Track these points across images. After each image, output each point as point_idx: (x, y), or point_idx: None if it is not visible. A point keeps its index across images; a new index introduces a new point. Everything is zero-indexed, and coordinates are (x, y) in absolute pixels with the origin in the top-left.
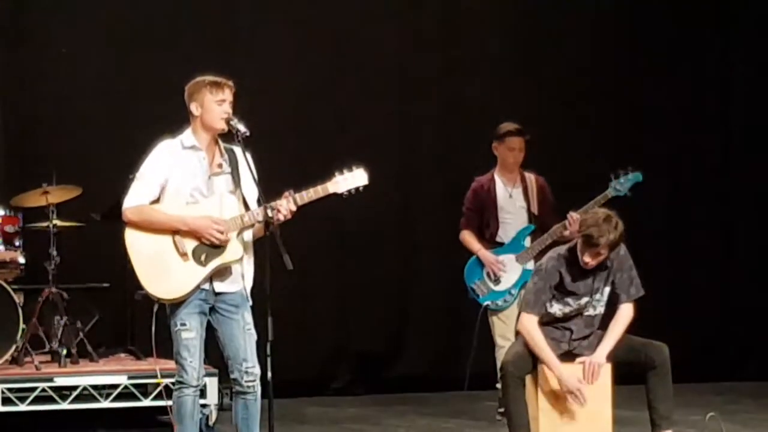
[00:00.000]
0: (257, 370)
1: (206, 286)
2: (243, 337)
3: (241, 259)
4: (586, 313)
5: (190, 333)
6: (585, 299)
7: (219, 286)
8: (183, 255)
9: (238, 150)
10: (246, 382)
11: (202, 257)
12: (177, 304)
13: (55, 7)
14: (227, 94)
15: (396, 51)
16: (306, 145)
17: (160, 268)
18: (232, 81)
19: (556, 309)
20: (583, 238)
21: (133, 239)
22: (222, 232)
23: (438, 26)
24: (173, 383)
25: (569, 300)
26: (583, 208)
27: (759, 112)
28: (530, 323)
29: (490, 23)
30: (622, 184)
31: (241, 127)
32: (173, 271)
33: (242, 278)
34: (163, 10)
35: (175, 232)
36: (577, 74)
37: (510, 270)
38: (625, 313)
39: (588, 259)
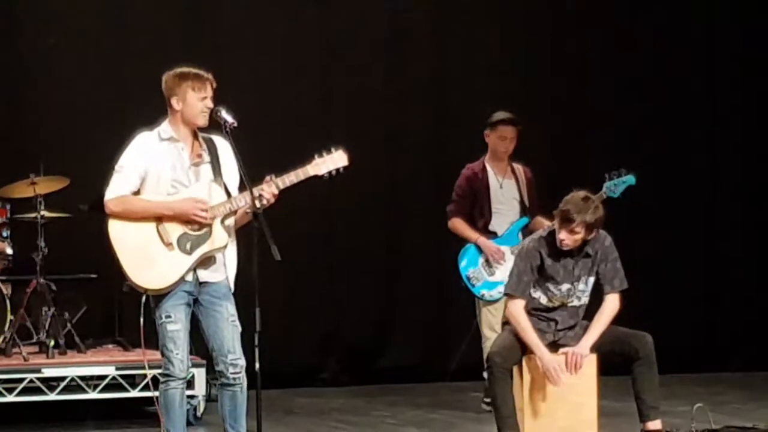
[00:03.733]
0: (242, 362)
1: (190, 276)
2: (227, 329)
3: (226, 246)
4: (570, 304)
5: (175, 325)
6: (566, 286)
7: (203, 275)
8: (168, 245)
9: (216, 139)
10: (232, 374)
11: (188, 246)
12: (162, 295)
13: (44, 0)
14: (209, 90)
15: (384, 36)
16: (290, 130)
17: (146, 259)
18: (218, 67)
19: (540, 295)
20: (560, 213)
21: (116, 231)
22: (206, 210)
23: (430, 11)
24: (160, 374)
25: (550, 286)
26: None
27: (747, 107)
28: (515, 307)
29: (484, 12)
30: (616, 186)
31: (229, 118)
32: (159, 261)
33: (224, 267)
34: (151, 2)
35: (159, 221)
36: (571, 71)
37: (507, 261)
38: (610, 304)
39: (563, 237)
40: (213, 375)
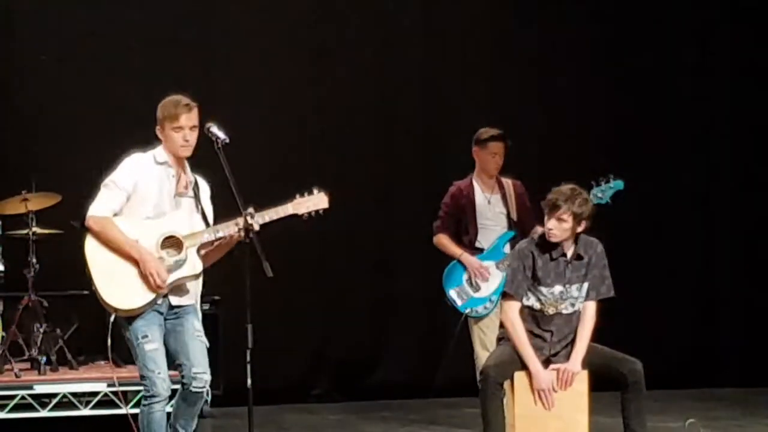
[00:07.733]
0: (207, 377)
1: (160, 299)
2: (193, 343)
3: (199, 275)
4: (565, 312)
5: (152, 344)
6: (558, 288)
7: (175, 300)
8: None
9: (200, 180)
10: (195, 387)
11: None
12: (133, 317)
13: (34, 16)
14: (183, 121)
15: (375, 55)
16: (283, 153)
17: (119, 280)
18: (209, 89)
19: (533, 302)
20: (548, 202)
21: (93, 248)
22: (162, 282)
23: (419, 25)
24: (143, 396)
25: (542, 289)
26: None
27: (740, 113)
28: (511, 311)
29: (474, 25)
30: (603, 192)
31: (221, 134)
32: (132, 283)
33: (195, 294)
34: (143, 20)
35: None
36: (561, 77)
37: (491, 276)
38: (589, 313)
39: (551, 226)
40: None
